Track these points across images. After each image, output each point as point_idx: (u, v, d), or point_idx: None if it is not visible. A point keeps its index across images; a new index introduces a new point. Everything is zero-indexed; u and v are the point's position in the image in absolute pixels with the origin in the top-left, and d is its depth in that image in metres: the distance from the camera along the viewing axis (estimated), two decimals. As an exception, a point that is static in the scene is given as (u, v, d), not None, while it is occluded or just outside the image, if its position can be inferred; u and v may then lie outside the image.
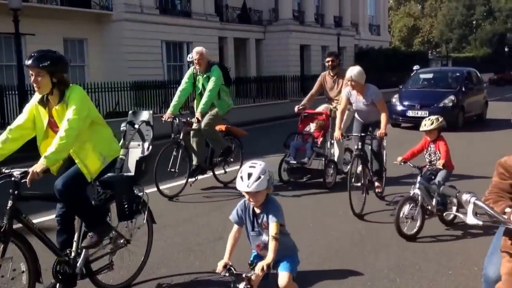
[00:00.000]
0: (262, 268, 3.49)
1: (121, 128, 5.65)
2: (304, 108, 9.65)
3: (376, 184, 8.14)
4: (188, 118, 8.78)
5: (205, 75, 8.81)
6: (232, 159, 9.52)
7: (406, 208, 6.12)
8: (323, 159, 9.05)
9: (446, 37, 67.89)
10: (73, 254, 4.56)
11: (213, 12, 31.73)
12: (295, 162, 8.98)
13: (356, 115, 8.26)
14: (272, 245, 3.61)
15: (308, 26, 38.23)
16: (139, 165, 5.10)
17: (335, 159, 9.37)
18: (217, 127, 9.14)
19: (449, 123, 15.54)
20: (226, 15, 34.15)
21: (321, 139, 9.16)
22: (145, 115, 5.67)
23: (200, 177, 9.13)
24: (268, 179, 3.64)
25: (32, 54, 4.33)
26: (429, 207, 6.33)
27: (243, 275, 3.60)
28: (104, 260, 4.90)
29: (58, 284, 4.47)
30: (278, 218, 3.68)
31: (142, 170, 5.13)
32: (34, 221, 4.58)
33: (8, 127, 4.42)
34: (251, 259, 3.97)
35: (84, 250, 4.56)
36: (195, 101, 9.13)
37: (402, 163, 6.52)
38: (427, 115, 15.42)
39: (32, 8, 22.45)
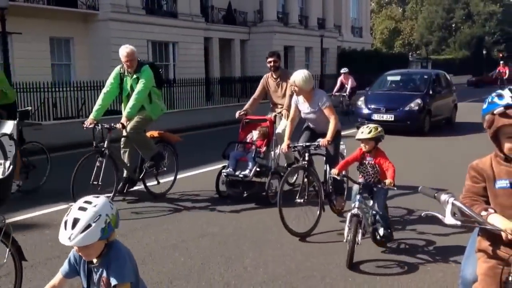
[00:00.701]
0: None
1: None
2: (246, 114, 8.58)
3: (337, 199, 7.12)
4: (113, 124, 7.59)
5: (134, 76, 7.85)
6: (165, 168, 8.53)
7: (360, 232, 5.34)
8: (267, 170, 7.91)
9: (426, 40, 68.35)
10: None
11: (198, 13, 31.67)
12: (235, 174, 7.91)
13: (309, 123, 7.39)
14: None
15: (292, 28, 38.31)
16: None
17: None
18: (149, 133, 8.31)
19: (415, 127, 15.66)
20: (211, 16, 34.11)
21: (264, 148, 8.08)
22: (8, 126, 4.58)
23: (182, 175, 8.94)
24: (103, 227, 2.72)
25: None
26: (365, 226, 5.50)
27: None
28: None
29: None
30: (124, 278, 2.81)
31: None
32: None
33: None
34: None
35: None
36: (122, 105, 8.14)
37: (340, 177, 5.74)
38: (392, 119, 15.61)
39: (18, 7, 22.26)
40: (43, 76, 21.84)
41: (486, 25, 68.40)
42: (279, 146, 7.91)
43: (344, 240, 5.31)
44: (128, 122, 7.63)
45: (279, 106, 8.63)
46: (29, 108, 13.64)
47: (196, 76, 26.87)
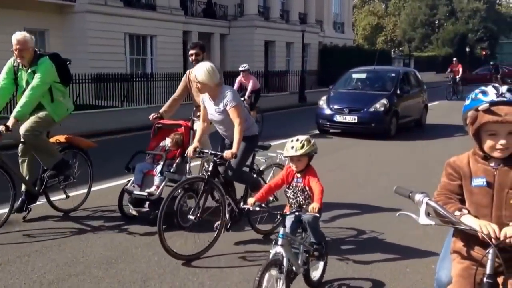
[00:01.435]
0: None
1: None
2: (161, 117, 7.40)
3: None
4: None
5: (29, 70, 6.65)
6: (74, 179, 7.32)
7: (267, 279, 4.06)
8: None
9: (409, 36, 68.82)
10: None
11: (177, 6, 31.51)
12: (139, 191, 6.70)
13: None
14: None
15: (273, 22, 38.30)
16: None
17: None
18: (53, 138, 7.10)
19: (381, 130, 14.70)
20: (191, 9, 33.96)
21: (178, 159, 6.79)
22: None
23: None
24: None
25: None
26: (294, 268, 4.40)
27: None
28: None
29: None
30: None
31: None
32: None
33: None
34: None
35: None
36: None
37: (257, 208, 4.37)
38: (356, 121, 14.67)
39: (-9, -3, 21.98)
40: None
41: (469, 22, 68.96)
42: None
43: None
44: (18, 123, 6.44)
45: None
46: None
47: (174, 71, 26.74)
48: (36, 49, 6.84)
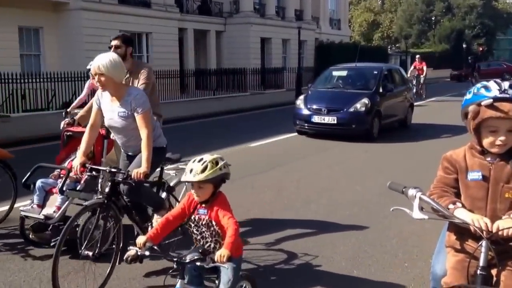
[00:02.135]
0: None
1: None
2: (73, 123, 6.48)
3: None
4: None
5: None
6: None
7: None
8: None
9: (405, 33, 68.85)
10: None
11: (173, 3, 31.47)
12: (37, 214, 5.60)
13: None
14: None
15: (269, 19, 38.28)
16: None
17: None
18: None
19: (362, 131, 13.71)
20: (186, 6, 33.91)
21: (85, 175, 5.28)
22: None
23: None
24: None
25: None
26: None
27: None
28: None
29: None
30: None
31: None
32: None
33: None
34: None
35: None
36: None
37: (146, 252, 3.36)
38: (335, 121, 13.62)
39: (-15, -5, 21.93)
40: (12, 66, 21.52)
41: (466, 19, 69.03)
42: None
43: None
44: None
45: None
46: None
47: (170, 68, 26.75)
48: None
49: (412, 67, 26.55)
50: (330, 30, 49.45)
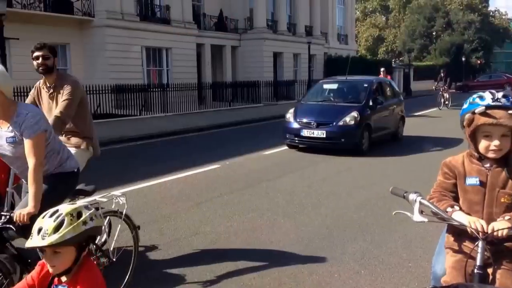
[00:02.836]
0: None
1: None
2: None
3: None
4: None
5: None
6: None
7: None
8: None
9: (408, 47, 68.61)
10: None
11: (191, 20, 31.64)
12: None
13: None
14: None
15: (281, 35, 38.35)
16: None
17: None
18: None
19: (352, 145, 12.80)
20: (203, 23, 34.08)
21: None
22: None
23: (176, 176, 8.91)
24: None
25: None
26: None
27: None
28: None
29: None
30: None
31: None
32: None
33: None
34: None
35: None
36: None
37: None
38: (324, 135, 12.77)
39: (16, 13, 22.16)
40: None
41: (465, 34, 68.78)
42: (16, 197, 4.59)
43: None
44: None
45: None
46: None
47: (188, 81, 26.87)
48: None
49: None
50: (338, 44, 49.44)
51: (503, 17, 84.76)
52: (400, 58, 74.10)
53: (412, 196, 2.82)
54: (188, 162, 11.51)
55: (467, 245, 2.83)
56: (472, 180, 2.82)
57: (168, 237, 6.24)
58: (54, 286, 2.44)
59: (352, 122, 12.81)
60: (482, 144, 2.77)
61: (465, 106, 2.84)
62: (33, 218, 3.22)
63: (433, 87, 30.81)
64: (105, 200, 4.27)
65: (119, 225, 4.55)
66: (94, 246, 3.74)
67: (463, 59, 63.59)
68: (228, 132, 18.10)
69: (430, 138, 15.48)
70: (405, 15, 79.21)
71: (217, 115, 23.34)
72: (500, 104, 2.70)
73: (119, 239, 4.81)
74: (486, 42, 69.83)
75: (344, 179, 9.84)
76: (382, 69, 25.73)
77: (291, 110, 13.83)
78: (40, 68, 5.15)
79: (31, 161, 3.58)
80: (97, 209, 2.61)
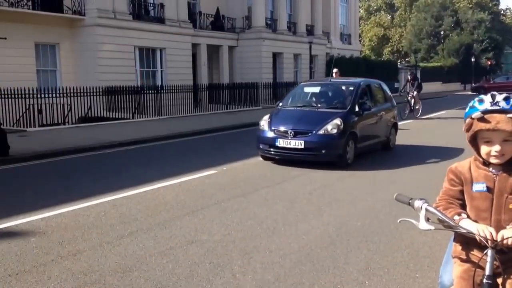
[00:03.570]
0: None
1: None
2: None
3: None
4: None
5: None
6: None
7: None
8: None
9: (414, 47, 68.87)
10: None
11: (186, 19, 31.73)
12: None
13: None
14: None
15: (280, 34, 38.46)
16: None
17: None
18: None
19: (334, 157, 11.67)
20: (199, 21, 34.18)
21: None
22: None
23: (170, 182, 8.97)
24: None
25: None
26: None
27: None
28: None
29: None
30: None
31: None
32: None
33: None
34: None
35: None
36: None
37: None
38: (302, 146, 11.55)
39: (3, 12, 22.25)
40: (28, 82, 21.80)
41: (474, 33, 69.00)
42: None
43: None
44: None
45: None
46: None
47: (184, 83, 26.92)
48: None
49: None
50: (340, 44, 49.56)
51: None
52: (406, 59, 74.36)
53: (417, 203, 2.81)
54: (183, 167, 11.55)
55: (475, 254, 2.83)
56: (479, 186, 2.83)
57: (163, 245, 6.24)
58: None
59: (335, 131, 11.66)
60: (483, 150, 2.79)
61: (466, 110, 2.86)
62: None
63: (399, 93, 29.27)
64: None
65: None
66: None
67: (473, 59, 63.78)
68: (225, 136, 18.11)
69: (426, 148, 14.77)
70: (412, 14, 79.53)
71: (214, 118, 23.36)
72: (498, 108, 2.71)
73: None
74: (496, 42, 70.08)
75: (343, 188, 9.85)
76: (335, 70, 22.84)
77: (266, 117, 12.75)
78: None
79: None
80: None
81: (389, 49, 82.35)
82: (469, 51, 66.36)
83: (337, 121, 11.78)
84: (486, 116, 2.71)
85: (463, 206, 2.91)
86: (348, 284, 5.12)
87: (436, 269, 5.40)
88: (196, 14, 34.27)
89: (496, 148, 2.72)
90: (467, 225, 2.73)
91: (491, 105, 2.72)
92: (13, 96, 19.52)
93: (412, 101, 24.58)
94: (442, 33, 71.27)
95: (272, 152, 12.07)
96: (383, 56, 77.93)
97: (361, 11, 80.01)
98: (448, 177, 2.98)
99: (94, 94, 22.22)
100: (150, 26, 28.97)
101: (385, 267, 5.56)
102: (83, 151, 14.09)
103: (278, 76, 38.30)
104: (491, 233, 2.63)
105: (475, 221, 2.78)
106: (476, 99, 2.81)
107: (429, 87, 53.12)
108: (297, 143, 11.56)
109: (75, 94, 21.37)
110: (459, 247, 2.95)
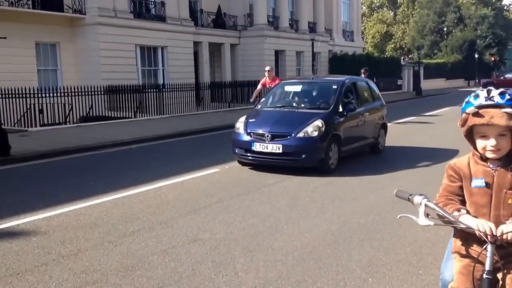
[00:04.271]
0: None
1: None
2: None
3: None
4: None
5: None
6: None
7: None
8: None
9: (418, 44, 68.74)
10: None
11: (187, 17, 31.73)
12: None
13: None
14: None
15: (283, 32, 38.45)
16: None
17: None
18: None
19: (315, 162, 10.79)
20: (201, 19, 34.19)
21: None
22: None
23: (172, 181, 8.92)
24: None
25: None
26: None
27: None
28: None
29: None
30: None
31: None
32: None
33: None
34: None
35: None
36: None
37: None
38: (280, 150, 10.64)
39: (3, 12, 22.29)
40: (29, 81, 21.85)
41: (478, 29, 68.92)
42: None
43: None
44: None
45: None
46: None
47: (185, 81, 26.92)
48: None
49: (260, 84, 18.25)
50: (343, 42, 49.55)
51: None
52: (410, 56, 74.31)
53: (417, 199, 2.82)
54: (185, 166, 11.55)
55: (474, 249, 2.85)
56: (478, 182, 2.85)
57: (165, 244, 6.25)
58: None
59: (316, 133, 10.76)
60: (479, 145, 2.81)
61: (463, 105, 2.89)
62: None
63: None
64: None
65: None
66: None
67: (476, 56, 63.69)
68: (228, 135, 18.05)
69: (419, 149, 14.08)
70: (414, 10, 79.46)
71: (216, 117, 23.37)
72: (493, 103, 2.73)
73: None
74: (500, 37, 69.99)
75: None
76: (267, 68, 18.89)
77: (242, 119, 11.79)
78: None
79: None
80: None
81: (392, 45, 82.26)
82: (472, 47, 66.29)
83: (318, 122, 10.89)
84: (480, 111, 2.73)
85: (463, 202, 2.93)
86: (351, 281, 5.13)
87: (439, 266, 5.38)
88: (198, 12, 34.27)
89: (492, 142, 2.74)
90: (466, 220, 2.74)
91: (486, 100, 2.74)
92: (14, 96, 19.55)
93: None
94: (445, 29, 71.18)
95: (249, 157, 11.17)
96: (386, 53, 77.84)
97: (364, 7, 79.96)
98: (447, 173, 3.01)
99: (96, 93, 22.24)
100: (151, 25, 28.98)
101: (388, 264, 5.57)
102: (85, 150, 14.11)
103: (281, 74, 38.22)
104: (490, 228, 2.65)
105: (475, 216, 2.80)
106: (472, 94, 2.84)
107: (433, 84, 53.13)
108: (275, 147, 10.70)
109: (76, 94, 21.39)
110: (458, 243, 2.96)
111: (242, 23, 37.12)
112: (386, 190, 9.03)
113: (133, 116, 23.17)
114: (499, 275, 2.77)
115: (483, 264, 2.71)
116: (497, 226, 2.68)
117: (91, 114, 22.08)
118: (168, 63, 30.34)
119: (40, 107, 20.58)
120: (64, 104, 21.55)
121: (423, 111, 24.51)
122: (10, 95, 19.45)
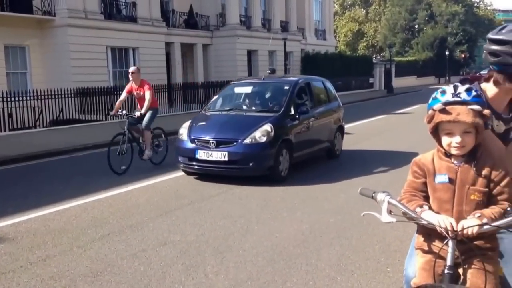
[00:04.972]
0: None
1: None
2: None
3: None
4: None
5: None
6: None
7: None
8: None
9: (389, 41, 69.30)
10: None
11: (159, 17, 31.57)
12: None
13: None
14: None
15: (255, 31, 38.45)
16: None
17: None
18: None
19: (263, 170, 9.97)
20: (172, 20, 34.03)
21: None
22: None
23: (143, 184, 8.92)
24: None
25: None
26: None
27: None
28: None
29: None
30: None
31: None
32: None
33: None
34: None
35: None
36: None
37: None
38: (225, 158, 9.80)
39: (-30, 14, 21.93)
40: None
41: (448, 26, 69.76)
42: None
43: None
44: None
45: None
46: None
47: (157, 82, 26.76)
48: None
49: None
50: (315, 40, 49.74)
51: (488, 8, 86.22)
52: (381, 54, 74.83)
53: (380, 196, 2.86)
54: (156, 168, 11.54)
55: (436, 245, 2.88)
56: (442, 178, 2.88)
57: (135, 248, 6.23)
58: None
59: (264, 139, 9.94)
60: (444, 141, 2.83)
61: (429, 101, 2.90)
62: None
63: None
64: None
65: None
66: None
67: (447, 53, 64.45)
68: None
69: (378, 153, 13.48)
70: (386, 8, 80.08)
71: (189, 117, 23.18)
72: (460, 99, 2.75)
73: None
74: (470, 34, 70.95)
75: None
76: (131, 69, 16.53)
77: (186, 124, 11.01)
78: None
79: None
80: None
81: (364, 44, 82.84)
82: (443, 45, 67.12)
83: (267, 127, 10.10)
84: (447, 108, 2.75)
85: (427, 198, 2.95)
86: (320, 280, 5.18)
87: (406, 263, 5.50)
88: (169, 12, 34.10)
89: (457, 139, 2.77)
90: (428, 216, 2.78)
91: (453, 97, 2.76)
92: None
93: None
94: (416, 26, 71.91)
95: (195, 166, 10.23)
96: (358, 51, 78.34)
97: (336, 6, 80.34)
98: (412, 169, 3.03)
99: (66, 96, 22.02)
100: (122, 26, 28.75)
101: (356, 262, 5.64)
102: (56, 154, 13.96)
103: (254, 73, 38.26)
104: (451, 223, 2.68)
105: (438, 212, 2.83)
106: (439, 90, 2.86)
107: (404, 82, 53.69)
108: (220, 155, 9.84)
109: (46, 97, 21.13)
110: (421, 239, 2.99)
111: (215, 23, 37.05)
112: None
113: (104, 119, 22.99)
114: (460, 270, 2.82)
115: (444, 259, 2.74)
116: (459, 222, 2.71)
117: (61, 117, 21.85)
118: (140, 64, 30.08)
119: (9, 111, 20.28)
120: (34, 108, 21.27)
121: (394, 109, 24.73)
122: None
